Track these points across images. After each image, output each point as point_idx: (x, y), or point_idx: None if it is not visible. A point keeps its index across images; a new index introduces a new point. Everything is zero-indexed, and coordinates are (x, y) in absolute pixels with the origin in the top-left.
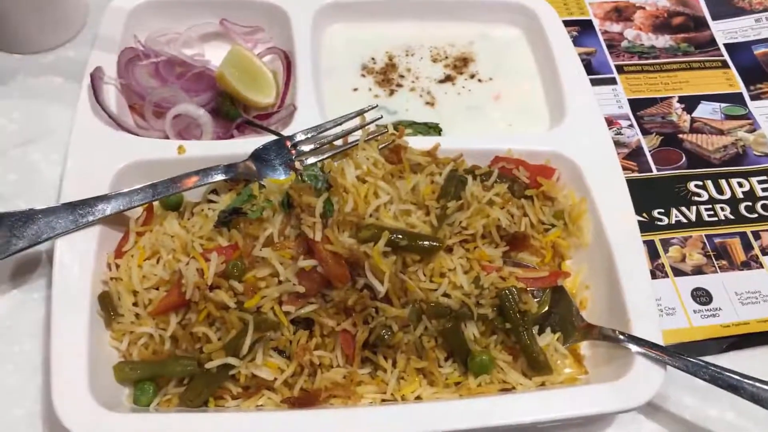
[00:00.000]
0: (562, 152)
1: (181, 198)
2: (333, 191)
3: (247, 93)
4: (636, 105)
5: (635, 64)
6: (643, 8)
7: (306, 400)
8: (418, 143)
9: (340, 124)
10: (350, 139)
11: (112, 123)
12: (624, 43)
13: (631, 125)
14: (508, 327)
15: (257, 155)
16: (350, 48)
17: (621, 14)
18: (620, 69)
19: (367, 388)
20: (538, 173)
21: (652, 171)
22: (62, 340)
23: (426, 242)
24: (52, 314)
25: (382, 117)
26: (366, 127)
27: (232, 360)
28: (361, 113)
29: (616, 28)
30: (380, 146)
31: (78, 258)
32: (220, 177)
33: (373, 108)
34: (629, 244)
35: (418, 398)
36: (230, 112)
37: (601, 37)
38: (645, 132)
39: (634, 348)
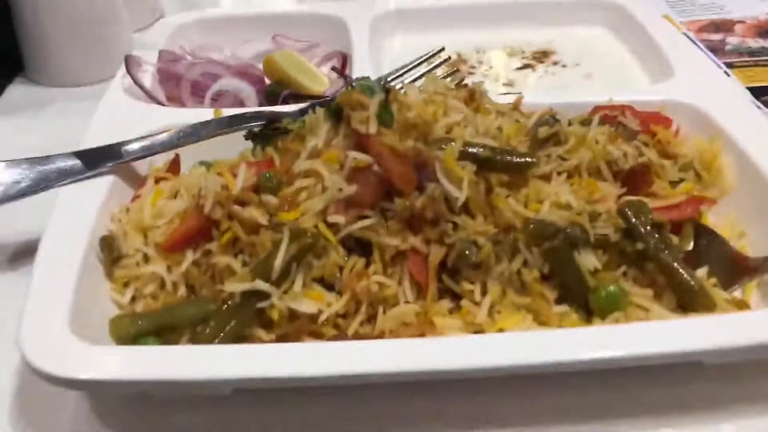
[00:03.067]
0: (679, 99)
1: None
2: (392, 99)
3: (297, 76)
4: (756, 92)
5: (747, 61)
6: (743, 22)
7: None
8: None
9: (404, 73)
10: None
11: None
12: (728, 47)
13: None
14: (640, 248)
15: (305, 112)
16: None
17: (719, 28)
18: (730, 65)
19: (448, 321)
20: (650, 122)
21: None
22: (46, 280)
23: (516, 158)
24: (40, 248)
25: (450, 58)
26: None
27: (261, 284)
28: (428, 57)
29: (715, 37)
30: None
31: (84, 202)
32: (259, 122)
33: (441, 50)
34: None
35: None
36: (276, 89)
37: (701, 44)
38: None
39: None
